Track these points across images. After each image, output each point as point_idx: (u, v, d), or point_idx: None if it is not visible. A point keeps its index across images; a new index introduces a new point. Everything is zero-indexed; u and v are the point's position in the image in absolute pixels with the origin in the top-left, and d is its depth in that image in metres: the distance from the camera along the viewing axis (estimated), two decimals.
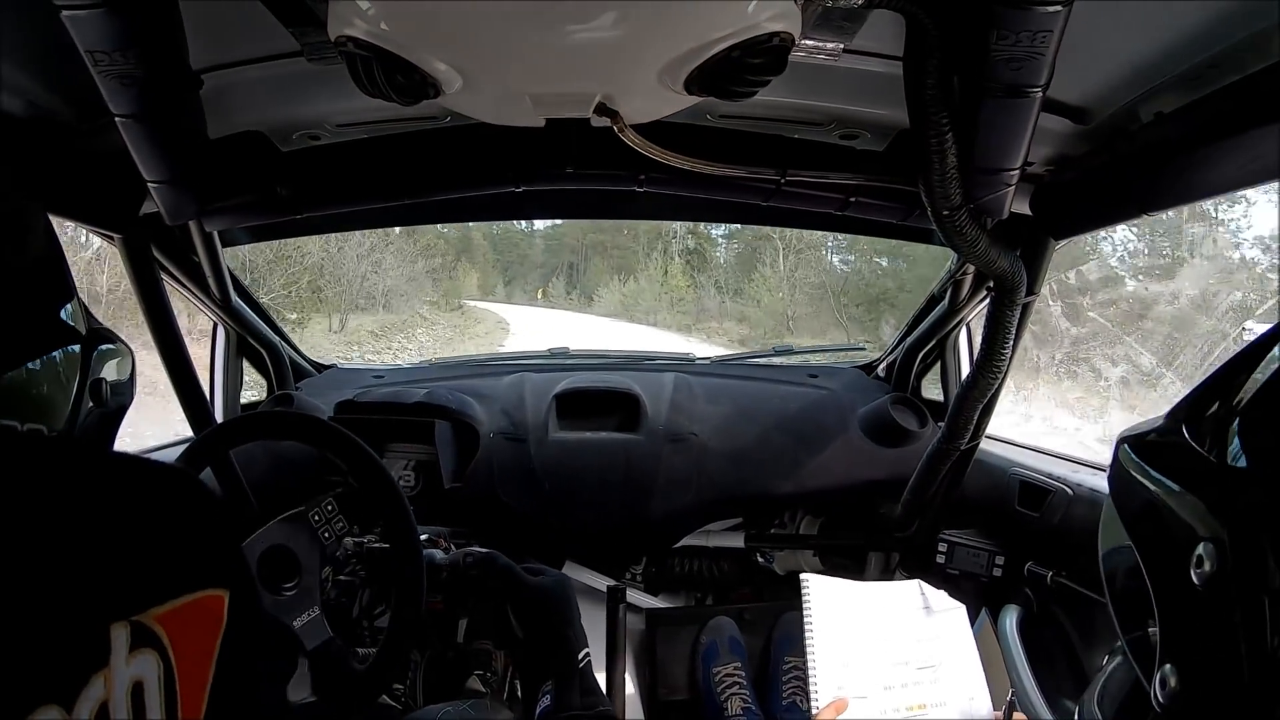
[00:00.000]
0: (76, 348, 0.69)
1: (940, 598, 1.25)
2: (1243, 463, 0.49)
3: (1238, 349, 0.55)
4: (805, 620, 1.19)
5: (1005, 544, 1.78)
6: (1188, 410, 0.57)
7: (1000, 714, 1.16)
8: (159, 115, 1.03)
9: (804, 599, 1.20)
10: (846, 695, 1.14)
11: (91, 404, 0.73)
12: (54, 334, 0.66)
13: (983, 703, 1.19)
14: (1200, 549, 0.48)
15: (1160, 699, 0.51)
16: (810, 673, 1.17)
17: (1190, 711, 0.50)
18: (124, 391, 0.80)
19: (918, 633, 1.22)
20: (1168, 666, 0.51)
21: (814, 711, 1.14)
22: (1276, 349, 0.51)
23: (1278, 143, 0.90)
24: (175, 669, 0.47)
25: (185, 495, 0.56)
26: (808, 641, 1.18)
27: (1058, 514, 1.58)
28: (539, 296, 21.09)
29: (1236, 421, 0.51)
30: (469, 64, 0.90)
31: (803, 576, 1.22)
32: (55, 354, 0.66)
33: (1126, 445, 0.62)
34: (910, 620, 1.23)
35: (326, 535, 1.32)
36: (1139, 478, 0.59)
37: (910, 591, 1.25)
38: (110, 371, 0.76)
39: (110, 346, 0.76)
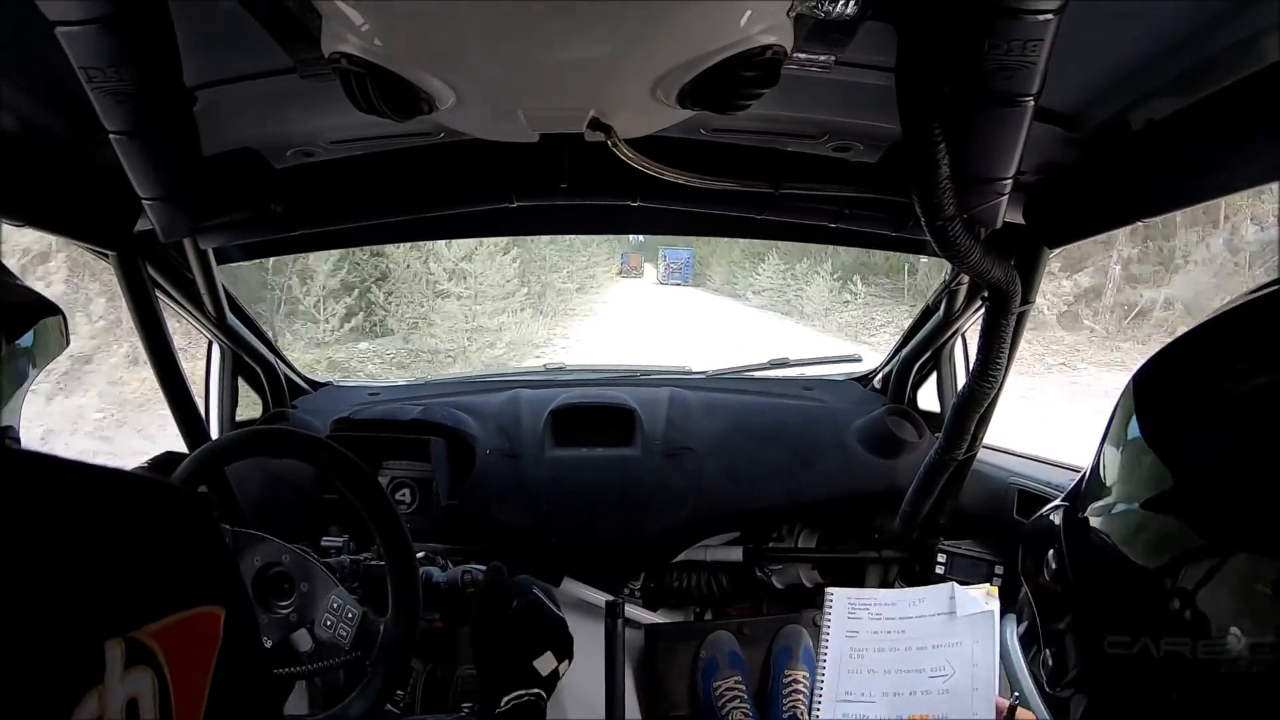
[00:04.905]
0: None
1: (971, 601, 1.22)
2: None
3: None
4: (822, 632, 1.18)
5: (1004, 553, 1.78)
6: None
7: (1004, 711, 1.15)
8: (153, 132, 1.03)
9: (825, 612, 1.19)
10: (849, 704, 1.13)
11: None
12: None
13: (986, 710, 1.17)
14: (1049, 553, 0.72)
15: (1044, 676, 0.75)
16: (817, 681, 1.15)
17: (1056, 683, 0.71)
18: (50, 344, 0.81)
19: (938, 639, 1.20)
20: (1047, 650, 0.73)
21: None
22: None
23: (1272, 145, 0.90)
24: (171, 686, 0.46)
25: (180, 511, 0.55)
26: (821, 652, 1.17)
27: None
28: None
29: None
30: (462, 80, 0.90)
31: (828, 590, 1.21)
32: None
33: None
34: (933, 626, 1.20)
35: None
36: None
37: (939, 596, 1.23)
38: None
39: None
